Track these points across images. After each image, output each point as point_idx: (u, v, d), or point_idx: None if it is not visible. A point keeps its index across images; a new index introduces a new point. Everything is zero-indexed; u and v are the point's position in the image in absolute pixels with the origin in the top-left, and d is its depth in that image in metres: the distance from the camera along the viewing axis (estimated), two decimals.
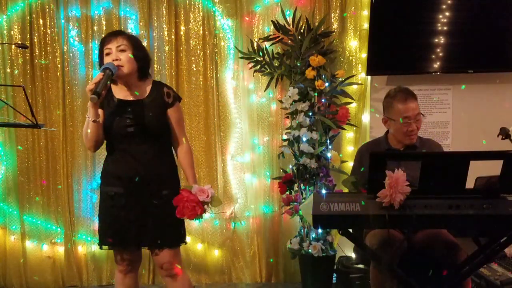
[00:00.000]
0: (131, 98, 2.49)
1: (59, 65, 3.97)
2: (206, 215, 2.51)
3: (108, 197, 2.50)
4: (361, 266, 3.58)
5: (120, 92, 2.51)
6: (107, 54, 2.44)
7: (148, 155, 2.46)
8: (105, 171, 2.57)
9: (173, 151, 2.64)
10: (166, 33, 3.95)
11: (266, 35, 3.87)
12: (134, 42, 2.49)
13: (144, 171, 2.45)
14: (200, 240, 4.08)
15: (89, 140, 2.46)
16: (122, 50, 2.43)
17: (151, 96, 2.51)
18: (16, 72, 3.96)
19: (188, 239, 3.76)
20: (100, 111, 2.46)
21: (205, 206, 2.41)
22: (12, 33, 3.96)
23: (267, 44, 3.84)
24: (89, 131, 2.43)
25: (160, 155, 2.51)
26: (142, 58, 2.50)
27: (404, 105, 2.79)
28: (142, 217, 2.46)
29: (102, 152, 4.04)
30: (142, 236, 2.48)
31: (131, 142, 2.45)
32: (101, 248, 2.56)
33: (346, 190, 3.23)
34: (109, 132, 2.48)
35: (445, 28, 3.71)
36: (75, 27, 3.98)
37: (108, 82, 2.36)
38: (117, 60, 2.40)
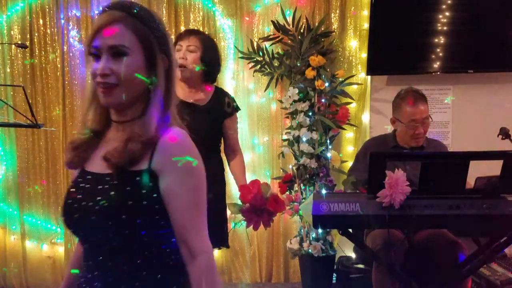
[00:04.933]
0: (191, 101, 2.48)
1: (59, 65, 3.97)
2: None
3: None
4: (361, 266, 3.58)
5: (182, 92, 2.51)
6: (178, 50, 2.45)
7: None
8: None
9: (225, 157, 2.67)
10: None
11: (266, 35, 3.87)
12: (206, 44, 2.47)
13: None
14: None
15: None
16: (191, 51, 2.43)
17: (211, 103, 2.50)
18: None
19: None
20: None
21: None
22: (12, 33, 3.96)
23: (267, 44, 3.84)
24: None
25: (208, 159, 2.46)
26: (209, 63, 2.48)
27: (412, 108, 2.76)
28: None
29: None
30: None
31: None
32: None
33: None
34: None
35: (445, 28, 3.71)
36: (75, 27, 3.98)
37: None
38: (183, 59, 2.41)
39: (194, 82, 2.50)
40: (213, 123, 2.50)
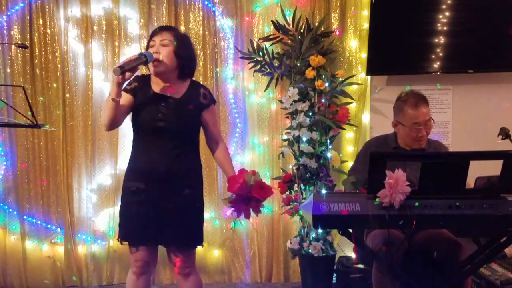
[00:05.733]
0: (167, 94, 2.49)
1: (59, 65, 3.97)
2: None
3: (130, 192, 2.48)
4: (361, 266, 3.58)
5: (157, 87, 2.50)
6: (151, 46, 2.46)
7: (174, 153, 2.45)
8: (129, 166, 2.55)
9: (209, 149, 2.65)
10: None
11: (266, 35, 3.87)
12: (179, 39, 2.49)
13: (167, 168, 2.43)
14: None
15: (105, 117, 2.43)
16: (164, 45, 2.44)
17: (187, 95, 2.51)
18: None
19: None
20: (129, 97, 2.46)
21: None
22: (12, 33, 3.96)
23: (267, 44, 3.84)
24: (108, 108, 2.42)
25: (185, 154, 2.50)
26: (184, 57, 2.48)
27: (414, 111, 2.73)
28: (162, 215, 2.44)
29: (102, 152, 4.08)
30: (160, 234, 2.45)
31: (159, 137, 2.44)
32: (121, 243, 2.52)
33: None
34: (139, 122, 2.48)
35: (445, 28, 3.71)
36: (75, 27, 3.98)
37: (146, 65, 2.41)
38: (156, 53, 2.42)
39: (171, 76, 2.49)
40: (189, 115, 2.48)
